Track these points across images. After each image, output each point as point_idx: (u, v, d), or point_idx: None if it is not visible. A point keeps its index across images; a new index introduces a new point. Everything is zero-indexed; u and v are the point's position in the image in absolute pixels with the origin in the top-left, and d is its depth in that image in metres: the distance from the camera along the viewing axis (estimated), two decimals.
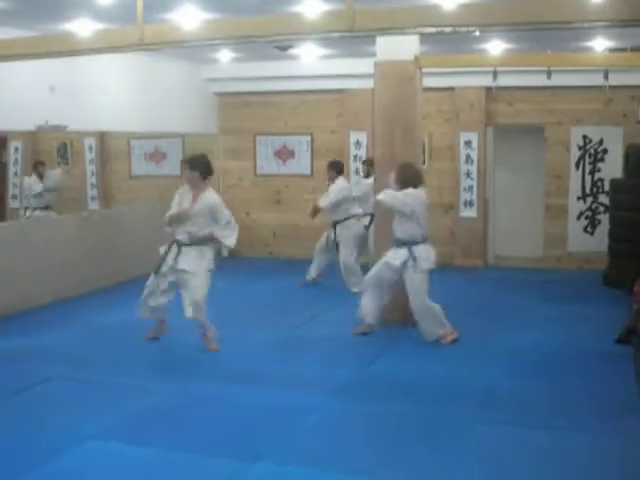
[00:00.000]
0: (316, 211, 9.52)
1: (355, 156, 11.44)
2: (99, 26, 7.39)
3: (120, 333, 7.22)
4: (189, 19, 6.04)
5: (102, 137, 10.41)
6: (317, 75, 11.46)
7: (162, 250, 6.67)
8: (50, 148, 9.96)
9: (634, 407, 5.27)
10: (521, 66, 9.04)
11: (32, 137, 9.37)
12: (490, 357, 6.48)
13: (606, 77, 7.82)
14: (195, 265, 6.52)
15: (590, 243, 10.84)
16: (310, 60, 10.93)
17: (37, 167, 9.21)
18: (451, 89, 11.09)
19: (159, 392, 5.56)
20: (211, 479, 4.19)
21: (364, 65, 8.77)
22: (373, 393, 5.63)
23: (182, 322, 6.69)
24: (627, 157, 9.68)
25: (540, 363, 6.33)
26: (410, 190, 6.83)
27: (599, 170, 10.84)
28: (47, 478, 4.17)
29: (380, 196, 6.94)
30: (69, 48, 6.33)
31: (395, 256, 6.85)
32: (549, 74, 7.74)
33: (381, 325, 7.19)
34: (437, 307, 6.85)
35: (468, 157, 11.16)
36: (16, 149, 9.24)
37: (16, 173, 9.22)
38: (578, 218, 10.95)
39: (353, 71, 10.91)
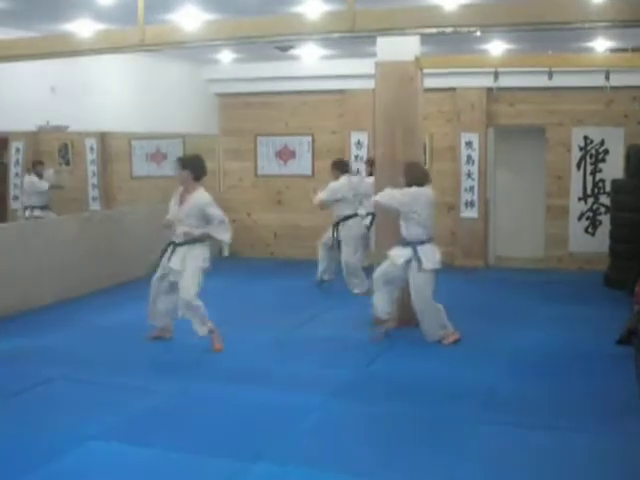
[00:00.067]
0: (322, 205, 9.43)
1: (356, 156, 11.43)
2: (100, 27, 7.40)
3: (121, 333, 7.22)
4: (190, 20, 6.05)
5: (103, 138, 10.41)
6: (318, 76, 11.47)
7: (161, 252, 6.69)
8: (51, 149, 9.95)
9: (635, 408, 5.27)
10: (522, 67, 9.03)
11: (33, 138, 9.36)
12: (491, 357, 6.48)
13: (607, 78, 7.81)
14: (184, 264, 6.51)
15: (591, 244, 10.84)
16: (311, 61, 10.94)
17: (36, 167, 9.20)
18: (452, 90, 11.09)
19: (160, 392, 5.56)
20: (211, 479, 4.19)
21: (365, 66, 8.77)
22: (373, 393, 5.63)
23: (182, 322, 6.69)
24: (628, 158, 9.67)
25: (541, 364, 6.33)
26: (412, 189, 6.81)
27: (600, 171, 10.83)
28: (48, 478, 4.17)
29: (376, 197, 6.94)
30: (70, 49, 6.33)
31: (399, 254, 6.83)
32: (550, 75, 7.73)
33: (380, 326, 7.19)
34: (440, 308, 6.84)
35: (469, 158, 11.16)
36: (17, 150, 9.23)
37: (17, 174, 9.21)
38: (579, 219, 10.95)
39: (354, 72, 10.92)
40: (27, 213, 9.12)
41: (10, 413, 5.22)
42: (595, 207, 10.90)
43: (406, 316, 7.19)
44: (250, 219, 12.36)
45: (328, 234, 9.35)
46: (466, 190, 11.20)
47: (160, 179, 10.98)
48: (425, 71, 7.55)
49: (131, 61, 10.00)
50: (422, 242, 6.79)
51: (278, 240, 12.29)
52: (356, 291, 9.05)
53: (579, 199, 10.94)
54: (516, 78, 9.86)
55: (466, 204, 11.21)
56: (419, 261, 6.73)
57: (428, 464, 4.34)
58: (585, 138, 10.83)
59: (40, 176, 9.21)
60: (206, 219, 6.55)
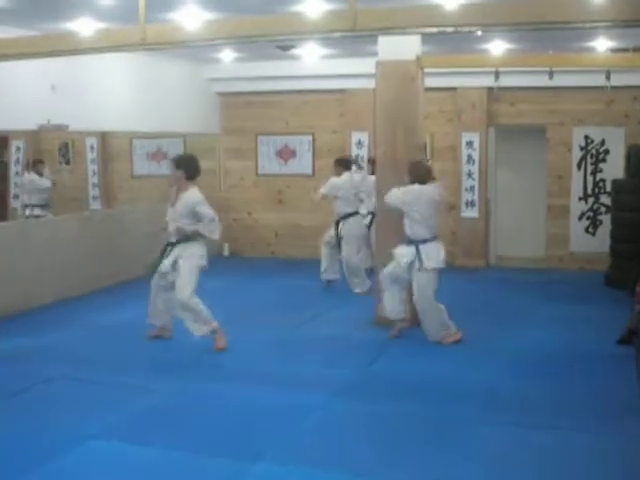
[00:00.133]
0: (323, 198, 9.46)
1: (357, 156, 11.42)
2: (101, 25, 7.41)
3: (122, 333, 7.22)
4: (191, 19, 6.05)
5: (104, 137, 10.41)
6: (319, 75, 11.46)
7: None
8: (52, 147, 9.95)
9: (636, 407, 5.26)
10: (523, 66, 9.03)
11: (34, 136, 9.36)
12: (492, 357, 6.47)
13: (608, 77, 7.81)
14: (178, 263, 6.52)
15: (592, 244, 10.84)
16: (312, 60, 10.93)
17: (36, 165, 9.20)
18: (453, 89, 11.08)
19: (160, 392, 5.56)
20: (211, 479, 4.19)
21: (366, 65, 8.76)
22: (375, 393, 5.62)
23: (182, 322, 6.68)
24: (629, 158, 9.67)
25: (542, 363, 6.33)
26: (414, 187, 6.80)
27: (601, 171, 10.83)
28: (49, 477, 4.17)
29: (385, 197, 6.94)
30: (71, 47, 6.33)
31: (403, 253, 6.82)
32: (551, 74, 7.73)
33: (381, 325, 7.19)
34: (442, 307, 6.83)
35: (470, 157, 11.15)
36: (18, 148, 9.23)
37: (17, 172, 9.21)
38: (580, 218, 10.95)
39: (355, 71, 10.91)
40: (27, 212, 9.12)
41: (11, 412, 5.22)
42: (596, 207, 10.89)
43: (408, 315, 7.18)
44: (251, 218, 12.36)
45: (330, 233, 9.34)
46: (467, 190, 11.19)
47: (161, 178, 10.97)
48: (426, 70, 7.55)
49: (132, 60, 10.00)
50: (425, 241, 6.77)
51: (279, 239, 12.29)
52: (357, 290, 9.04)
53: (580, 199, 10.94)
54: (517, 78, 9.86)
55: (467, 204, 11.21)
56: (421, 260, 6.73)
57: (430, 463, 4.34)
58: (586, 138, 10.83)
59: (40, 175, 9.20)
60: (197, 217, 6.55)
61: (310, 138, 11.97)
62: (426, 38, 7.55)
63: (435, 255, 6.78)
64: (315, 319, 7.90)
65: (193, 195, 6.59)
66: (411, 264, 6.78)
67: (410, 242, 6.81)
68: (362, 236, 9.31)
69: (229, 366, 6.20)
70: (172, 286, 6.63)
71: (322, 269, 9.42)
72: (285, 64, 11.33)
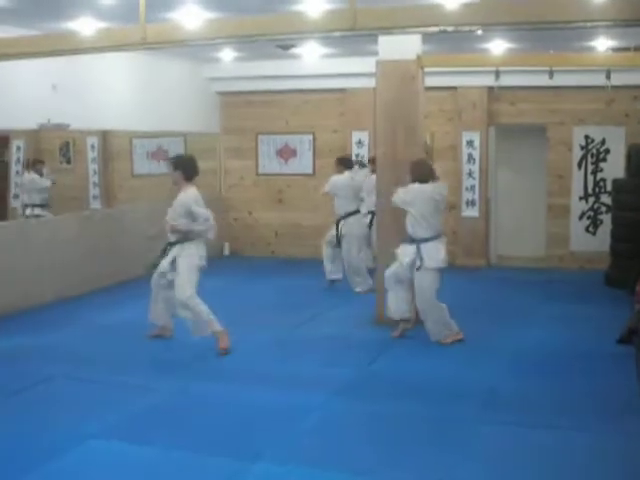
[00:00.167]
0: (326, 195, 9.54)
1: (357, 155, 11.41)
2: (102, 25, 7.42)
3: (122, 332, 7.22)
4: (191, 18, 6.06)
5: (104, 136, 10.40)
6: (319, 74, 11.47)
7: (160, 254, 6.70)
8: (52, 147, 9.94)
9: (636, 407, 5.26)
10: (523, 66, 9.03)
11: (34, 136, 9.35)
12: (493, 357, 6.47)
13: (608, 77, 7.81)
14: (175, 263, 6.52)
15: (592, 243, 10.84)
16: (312, 59, 10.93)
17: (36, 165, 9.19)
18: (453, 88, 11.08)
19: (160, 391, 5.56)
20: (211, 479, 4.19)
21: (366, 64, 8.76)
22: (375, 392, 5.62)
23: (183, 321, 6.68)
24: (629, 157, 9.67)
25: (543, 363, 6.33)
26: (414, 186, 6.79)
27: (601, 170, 10.83)
28: (49, 477, 4.17)
29: (392, 198, 6.93)
30: (72, 47, 6.34)
31: (405, 253, 6.82)
32: (551, 74, 7.73)
33: (382, 324, 7.19)
34: (444, 307, 6.82)
35: (470, 157, 11.15)
36: (18, 148, 9.23)
37: (18, 172, 9.21)
38: (580, 218, 10.95)
39: (355, 70, 10.91)
40: (27, 211, 9.12)
41: (11, 412, 5.21)
42: (596, 206, 10.89)
43: (412, 316, 7.18)
44: (251, 218, 12.36)
45: (331, 232, 9.34)
46: (467, 189, 11.19)
47: (161, 177, 10.97)
48: (426, 70, 7.55)
49: (132, 59, 10.00)
50: (426, 240, 6.76)
51: (279, 239, 12.29)
52: (358, 289, 9.05)
53: (580, 198, 10.94)
54: (517, 77, 9.86)
55: (467, 203, 11.20)
56: (421, 259, 6.72)
57: (430, 463, 4.33)
58: (586, 137, 10.83)
59: (40, 174, 9.20)
60: (192, 217, 6.56)
61: (310, 137, 11.97)
62: (426, 37, 7.55)
63: (435, 254, 6.76)
64: (315, 318, 7.90)
65: (188, 195, 6.60)
66: (413, 263, 6.77)
67: (412, 241, 6.80)
68: (363, 235, 9.31)
69: (229, 366, 6.20)
70: (172, 285, 6.63)
71: (327, 271, 9.40)
72: (285, 63, 11.33)
